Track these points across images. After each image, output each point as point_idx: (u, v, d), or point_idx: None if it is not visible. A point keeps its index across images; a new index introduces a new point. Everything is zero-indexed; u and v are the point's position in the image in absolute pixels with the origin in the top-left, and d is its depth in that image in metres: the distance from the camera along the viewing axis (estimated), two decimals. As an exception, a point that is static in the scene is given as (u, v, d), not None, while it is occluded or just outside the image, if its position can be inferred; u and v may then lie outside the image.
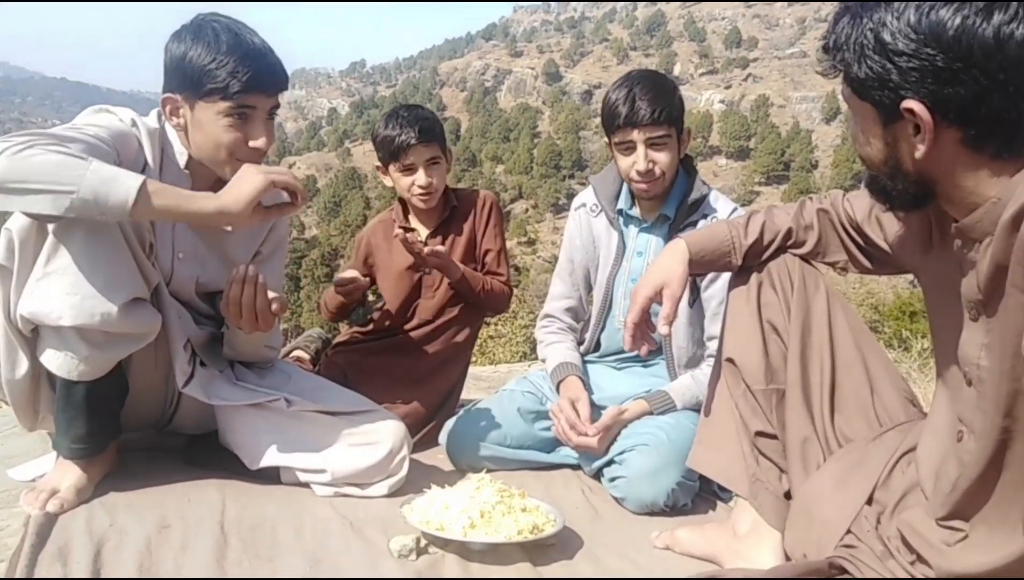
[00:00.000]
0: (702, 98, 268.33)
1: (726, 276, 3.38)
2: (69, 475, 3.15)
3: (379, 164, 4.59)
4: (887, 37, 2.05)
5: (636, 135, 3.75)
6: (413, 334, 4.63)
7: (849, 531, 2.55)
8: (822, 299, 2.93)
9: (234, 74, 3.07)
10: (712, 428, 3.09)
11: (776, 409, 2.92)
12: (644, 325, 3.04)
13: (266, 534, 3.03)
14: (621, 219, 4.10)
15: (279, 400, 3.46)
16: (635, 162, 3.78)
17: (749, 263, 3.03)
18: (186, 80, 3.12)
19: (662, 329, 2.92)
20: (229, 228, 3.43)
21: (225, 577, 2.69)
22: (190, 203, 2.89)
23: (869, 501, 2.60)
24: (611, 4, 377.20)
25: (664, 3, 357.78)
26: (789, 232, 3.01)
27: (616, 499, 3.65)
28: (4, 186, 2.63)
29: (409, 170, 4.45)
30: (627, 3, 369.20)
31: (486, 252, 4.65)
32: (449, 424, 4.16)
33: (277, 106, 3.29)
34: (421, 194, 4.45)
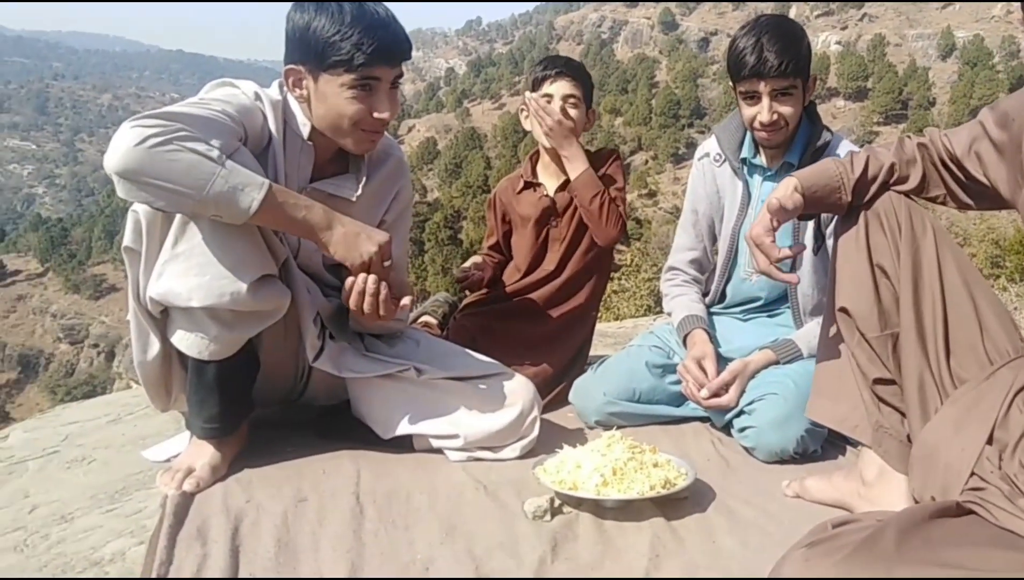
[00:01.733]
0: (818, 40, 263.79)
1: None
2: (203, 454, 3.22)
3: (524, 107, 4.57)
4: None
5: (762, 86, 3.71)
6: (539, 293, 4.66)
7: (973, 473, 2.52)
8: (930, 240, 2.87)
9: (359, 46, 3.06)
10: (829, 377, 3.08)
11: (892, 354, 2.89)
12: (771, 242, 2.95)
13: (401, 502, 3.08)
14: (745, 168, 4.06)
15: (409, 370, 3.49)
16: (759, 113, 3.75)
17: (857, 201, 2.97)
18: (309, 52, 3.12)
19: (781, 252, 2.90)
20: (354, 197, 3.46)
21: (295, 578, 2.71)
22: (306, 218, 2.96)
23: (990, 441, 2.55)
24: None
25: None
26: (892, 167, 2.96)
27: (746, 449, 3.66)
28: (137, 179, 2.68)
29: (547, 99, 4.42)
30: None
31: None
32: (578, 383, 4.18)
33: (401, 75, 3.30)
34: (556, 124, 4.34)
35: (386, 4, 3.22)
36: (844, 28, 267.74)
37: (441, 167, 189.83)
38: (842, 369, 3.02)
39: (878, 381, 2.91)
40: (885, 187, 2.97)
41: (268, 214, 2.85)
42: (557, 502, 3.00)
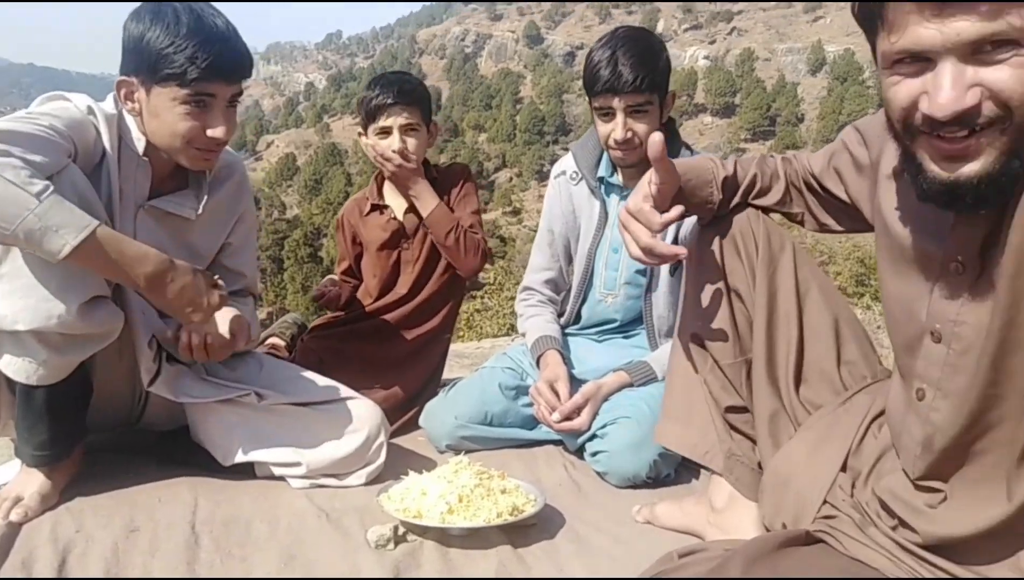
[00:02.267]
0: (686, 55, 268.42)
1: None
2: (33, 482, 3.10)
3: (361, 130, 4.53)
4: None
5: (616, 102, 3.69)
6: (391, 315, 4.60)
7: (826, 501, 2.53)
8: (788, 259, 2.86)
9: (192, 60, 2.96)
10: (679, 402, 3.04)
11: (745, 381, 2.90)
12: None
13: (240, 531, 3.01)
14: (602, 187, 4.05)
15: (249, 395, 3.42)
16: (614, 129, 3.73)
17: (723, 210, 2.91)
18: (143, 63, 3.02)
19: (655, 222, 2.67)
20: (194, 216, 3.38)
21: (201, 578, 2.67)
22: (131, 272, 2.81)
23: (844, 468, 2.58)
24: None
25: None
26: (755, 177, 2.94)
27: (599, 474, 3.63)
28: None
29: (385, 133, 4.35)
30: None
31: (459, 218, 4.56)
32: (429, 406, 4.12)
33: (239, 93, 3.21)
34: (396, 160, 4.33)
35: (227, 17, 3.14)
36: (712, 42, 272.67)
37: (301, 184, 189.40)
38: (693, 394, 3.00)
39: (730, 409, 2.92)
40: (747, 197, 2.95)
41: (86, 260, 2.71)
42: (401, 530, 2.95)
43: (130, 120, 3.19)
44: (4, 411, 3.16)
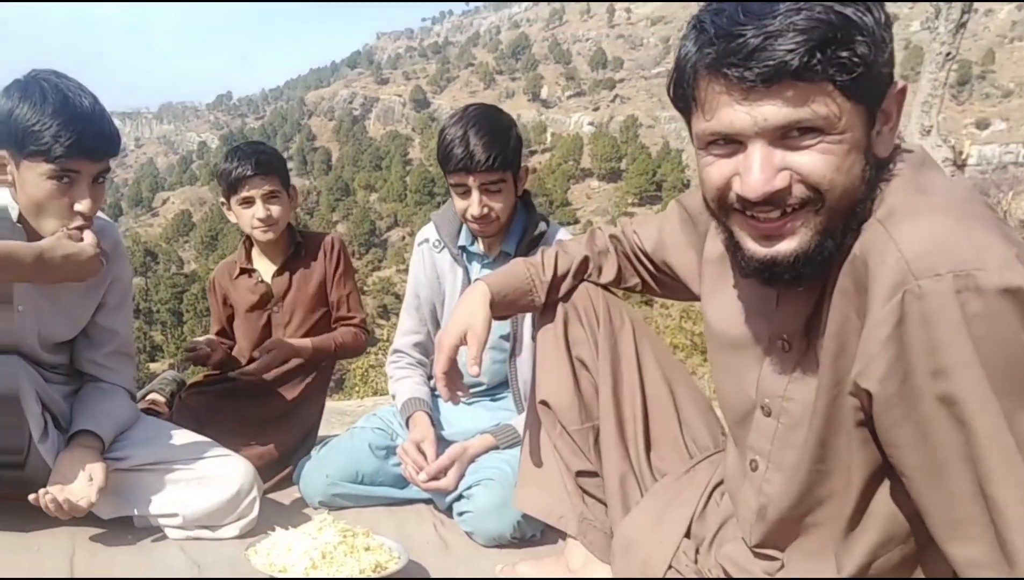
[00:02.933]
0: (571, 120, 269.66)
1: None
2: None
3: (223, 200, 4.59)
4: (879, 13, 1.83)
5: (471, 181, 3.76)
6: (266, 375, 4.60)
7: (671, 566, 2.60)
8: (628, 333, 2.97)
9: (57, 138, 3.04)
10: (535, 467, 3.10)
11: (594, 446, 2.96)
12: (454, 373, 3.00)
13: None
14: (464, 255, 4.11)
15: (122, 461, 3.47)
16: (470, 206, 3.80)
17: (552, 298, 3.03)
18: (11, 138, 3.09)
19: (471, 370, 2.84)
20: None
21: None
22: (11, 266, 2.93)
23: (688, 534, 2.64)
24: (474, 28, 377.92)
25: (527, 27, 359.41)
26: (585, 260, 3.02)
27: (467, 533, 3.68)
28: None
29: (247, 203, 4.44)
30: (491, 27, 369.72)
31: (338, 299, 4.68)
32: (302, 464, 4.16)
33: (107, 170, 3.27)
34: (259, 226, 4.45)
35: (95, 96, 3.21)
36: (596, 109, 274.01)
37: (197, 239, 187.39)
38: (547, 459, 3.06)
39: (581, 473, 2.98)
40: (580, 281, 3.04)
41: None
42: (269, 584, 3.00)
43: (1, 189, 3.24)
44: None
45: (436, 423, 4.03)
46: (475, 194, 3.78)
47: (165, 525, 3.48)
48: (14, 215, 3.25)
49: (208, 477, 3.49)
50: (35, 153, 3.06)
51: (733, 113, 1.89)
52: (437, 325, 4.31)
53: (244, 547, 3.19)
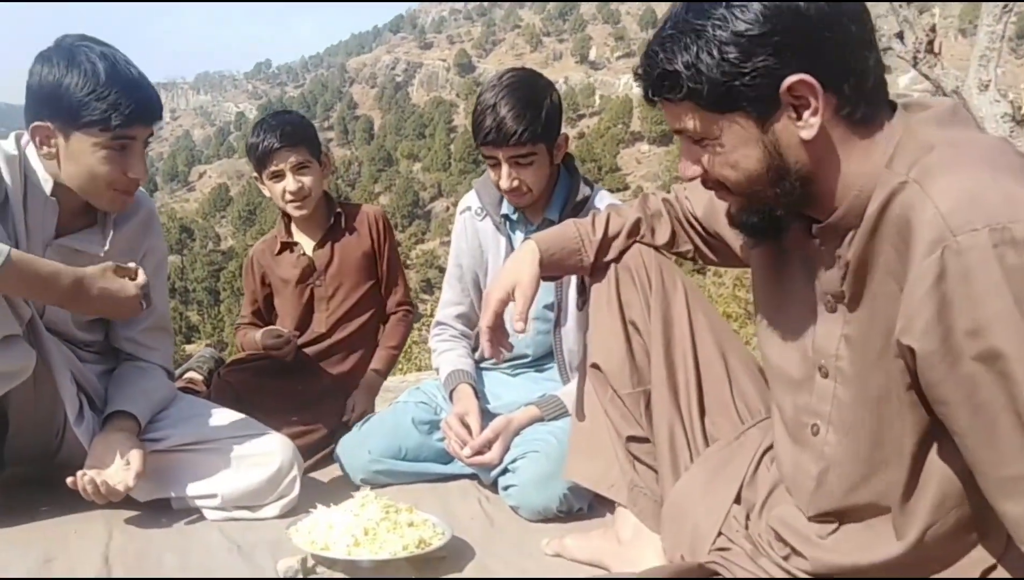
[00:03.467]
0: (620, 83, 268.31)
1: None
2: None
3: (255, 175, 4.62)
4: (742, 26, 2.01)
5: (500, 154, 3.76)
6: (308, 351, 4.66)
7: (721, 533, 2.61)
8: (680, 297, 2.96)
9: (116, 107, 3.08)
10: (584, 436, 3.11)
11: (645, 411, 2.96)
12: (500, 330, 3.09)
13: (151, 563, 3.07)
14: (507, 223, 4.10)
15: (158, 443, 3.49)
16: (500, 179, 3.81)
17: (602, 260, 3.05)
18: (61, 110, 3.10)
19: (517, 325, 2.91)
20: (102, 252, 3.44)
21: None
22: (52, 284, 2.96)
23: (738, 500, 2.65)
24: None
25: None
26: (637, 222, 3.03)
27: (512, 507, 3.67)
28: None
29: (278, 177, 4.47)
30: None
31: (388, 278, 4.77)
32: (344, 441, 4.16)
33: (152, 135, 3.32)
34: (292, 200, 4.48)
35: (136, 64, 3.24)
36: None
37: (234, 214, 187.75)
38: (596, 427, 3.05)
39: (632, 439, 2.97)
40: (631, 242, 3.04)
41: (4, 285, 2.84)
42: (311, 563, 3.01)
43: (35, 161, 3.26)
44: None
45: (480, 396, 4.02)
46: (504, 168, 3.78)
47: (203, 506, 3.49)
48: (48, 189, 3.27)
49: (247, 456, 3.50)
50: (91, 123, 3.09)
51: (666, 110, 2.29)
52: (480, 295, 4.28)
53: (285, 526, 3.21)
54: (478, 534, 3.42)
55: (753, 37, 2.00)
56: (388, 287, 4.78)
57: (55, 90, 3.09)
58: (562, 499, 3.52)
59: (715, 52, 2.04)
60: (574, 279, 3.79)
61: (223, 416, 3.70)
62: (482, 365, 4.32)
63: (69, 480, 3.16)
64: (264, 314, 4.91)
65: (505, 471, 3.73)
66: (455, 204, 4.39)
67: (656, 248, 3.06)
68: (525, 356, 4.20)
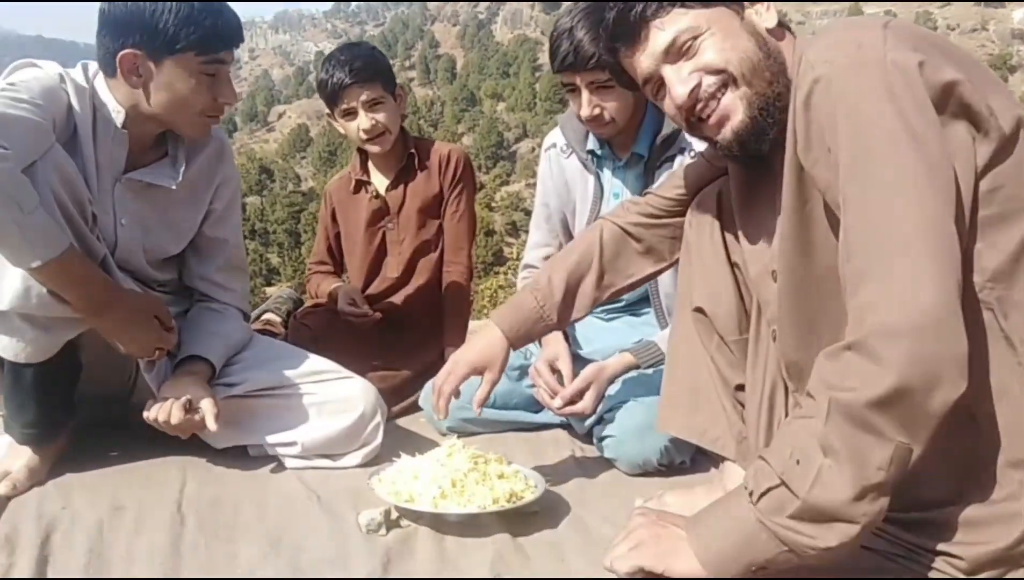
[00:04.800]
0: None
1: None
2: (22, 456, 3.19)
3: (328, 112, 4.52)
4: None
5: (578, 79, 3.63)
6: (387, 295, 4.61)
7: None
8: None
9: (214, 30, 3.09)
10: (683, 385, 2.99)
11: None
12: (451, 395, 3.18)
13: (226, 513, 3.02)
14: (594, 160, 3.98)
15: (234, 388, 3.44)
16: (581, 107, 3.67)
17: (567, 320, 3.20)
18: (154, 37, 3.06)
19: (476, 409, 3.18)
20: (174, 185, 3.39)
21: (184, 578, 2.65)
22: (81, 295, 2.89)
23: None
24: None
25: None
26: (600, 271, 3.13)
27: (608, 459, 3.56)
28: None
29: (350, 114, 4.37)
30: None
31: (450, 231, 4.65)
32: (429, 386, 3.98)
33: (232, 58, 3.30)
34: (367, 138, 4.38)
35: None
36: None
37: (315, 155, 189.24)
38: (698, 375, 2.94)
39: (740, 388, 2.86)
40: (602, 294, 3.20)
41: (47, 277, 2.78)
42: (394, 515, 2.93)
43: (104, 93, 3.21)
44: None
45: (572, 340, 3.92)
46: (584, 94, 3.64)
47: (282, 454, 3.45)
48: (119, 120, 3.20)
49: (328, 402, 3.45)
50: (187, 48, 3.08)
51: (638, 64, 2.52)
52: (569, 236, 4.18)
53: (367, 476, 3.14)
54: (572, 488, 3.31)
55: None
56: (446, 240, 4.64)
57: (147, 18, 3.04)
58: (663, 452, 3.41)
59: None
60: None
61: (302, 359, 3.62)
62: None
63: (147, 415, 3.17)
64: (336, 254, 4.85)
65: (601, 421, 3.62)
66: (540, 145, 4.28)
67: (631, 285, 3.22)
68: (619, 300, 4.06)
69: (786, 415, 2.68)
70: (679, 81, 2.40)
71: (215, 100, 3.24)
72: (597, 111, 3.65)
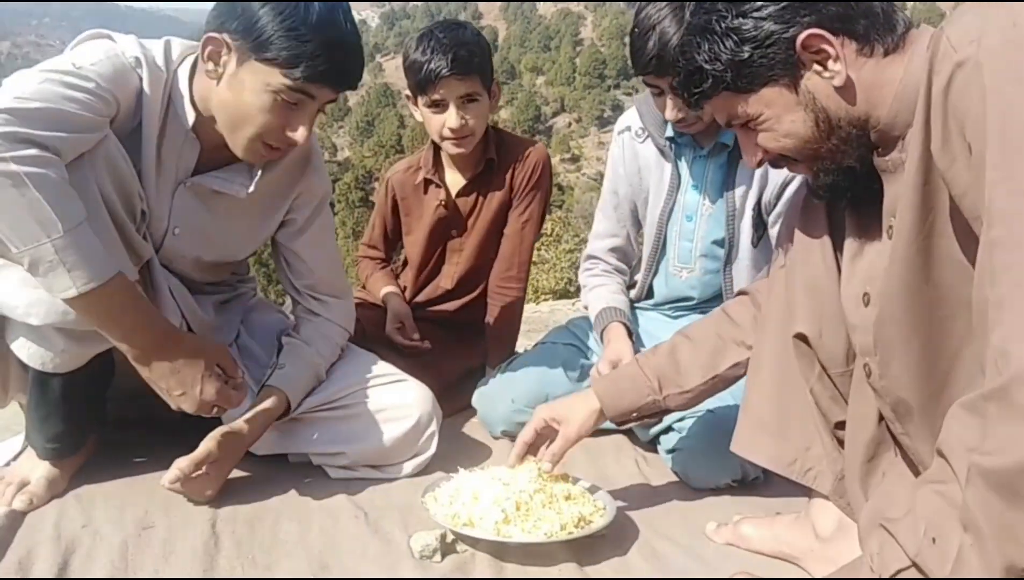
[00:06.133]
0: None
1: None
2: (41, 465, 2.95)
3: (409, 93, 4.07)
4: (743, 6, 2.20)
5: (663, 84, 3.35)
6: (438, 303, 4.37)
7: None
8: None
9: (310, 56, 2.67)
10: (769, 408, 2.72)
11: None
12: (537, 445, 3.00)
13: (265, 532, 2.83)
14: (672, 147, 3.69)
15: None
16: (666, 109, 3.41)
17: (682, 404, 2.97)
18: (250, 31, 2.67)
19: (544, 465, 2.88)
20: (245, 193, 3.06)
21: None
22: (130, 337, 2.63)
23: None
24: None
25: None
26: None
27: (675, 472, 3.34)
28: None
29: (439, 107, 3.90)
30: None
31: (512, 246, 4.22)
32: (483, 388, 3.86)
33: (334, 101, 2.91)
34: (452, 138, 3.92)
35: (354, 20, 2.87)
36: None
37: (352, 125, 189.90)
38: (791, 402, 2.67)
39: (840, 426, 2.60)
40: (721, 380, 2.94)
41: (85, 310, 2.50)
42: (450, 538, 2.71)
43: (184, 85, 2.88)
44: (13, 383, 2.97)
45: (636, 338, 3.71)
46: (671, 98, 3.37)
47: (326, 464, 3.25)
48: (190, 120, 2.89)
49: (383, 409, 3.23)
50: (273, 61, 2.69)
51: None
52: (638, 226, 3.94)
53: (420, 488, 2.93)
54: (639, 505, 3.11)
55: (754, 11, 2.19)
56: (504, 250, 4.24)
57: (253, 10, 2.69)
58: (738, 466, 3.19)
59: (726, 39, 2.23)
60: (748, 210, 3.56)
61: (357, 361, 3.39)
62: (639, 305, 3.99)
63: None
64: (392, 243, 4.54)
65: (669, 429, 3.40)
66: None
67: None
68: (689, 298, 3.85)
69: (895, 453, 2.44)
70: (746, 149, 2.42)
71: (283, 130, 2.81)
72: (682, 114, 3.38)
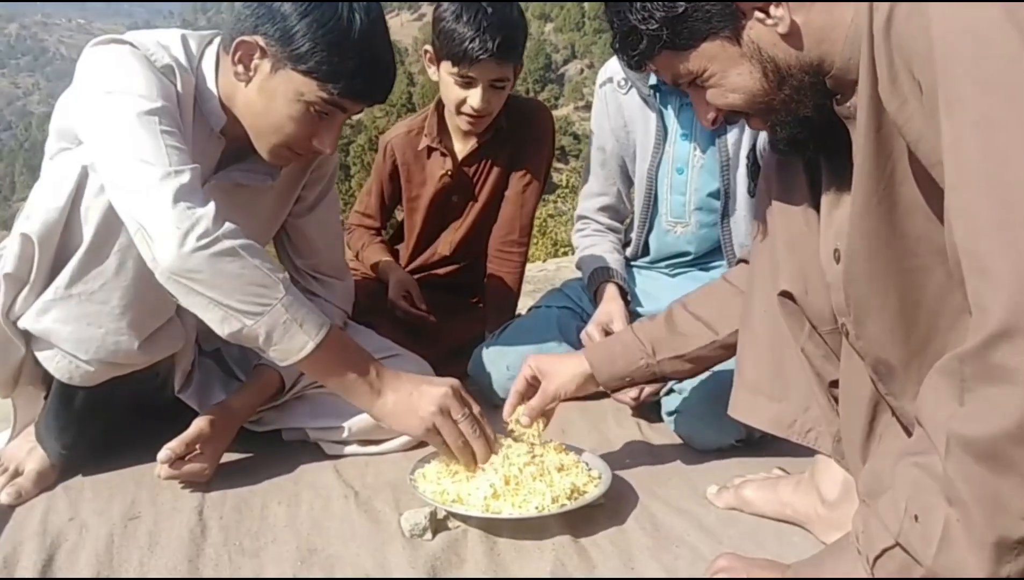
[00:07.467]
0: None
1: None
2: (34, 457, 2.94)
3: (429, 50, 3.95)
4: None
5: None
6: (433, 269, 4.34)
7: None
8: None
9: (349, 73, 2.66)
10: (765, 370, 2.67)
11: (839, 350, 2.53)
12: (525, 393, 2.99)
13: (253, 517, 2.78)
14: (657, 96, 3.63)
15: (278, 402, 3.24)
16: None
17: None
18: (288, 39, 2.64)
19: (523, 418, 2.88)
20: (269, 183, 3.10)
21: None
22: (352, 381, 2.70)
23: None
24: None
25: None
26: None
27: (677, 434, 3.31)
28: (188, 285, 2.42)
29: (467, 83, 3.79)
30: None
31: (514, 210, 4.17)
32: (478, 354, 3.82)
33: (360, 111, 2.91)
34: (470, 117, 3.86)
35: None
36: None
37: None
38: (786, 362, 2.63)
39: (834, 384, 2.55)
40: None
41: (315, 363, 2.60)
42: (441, 514, 2.67)
43: (212, 85, 2.85)
44: (25, 377, 2.93)
45: (633, 297, 3.69)
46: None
47: (322, 439, 3.22)
48: (221, 122, 2.87)
49: None
50: (310, 73, 2.67)
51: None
52: (628, 182, 3.90)
53: (409, 468, 2.89)
54: (638, 470, 3.07)
55: None
56: (508, 225, 4.20)
57: (288, 18, 2.65)
58: (740, 428, 3.10)
59: None
60: (743, 159, 3.50)
61: (352, 336, 3.27)
62: (635, 263, 3.95)
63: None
64: (388, 211, 4.49)
65: (670, 391, 3.35)
66: (590, 66, 4.00)
67: None
68: (685, 254, 3.81)
69: (891, 414, 2.36)
70: (698, 109, 2.36)
71: (310, 140, 2.82)
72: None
